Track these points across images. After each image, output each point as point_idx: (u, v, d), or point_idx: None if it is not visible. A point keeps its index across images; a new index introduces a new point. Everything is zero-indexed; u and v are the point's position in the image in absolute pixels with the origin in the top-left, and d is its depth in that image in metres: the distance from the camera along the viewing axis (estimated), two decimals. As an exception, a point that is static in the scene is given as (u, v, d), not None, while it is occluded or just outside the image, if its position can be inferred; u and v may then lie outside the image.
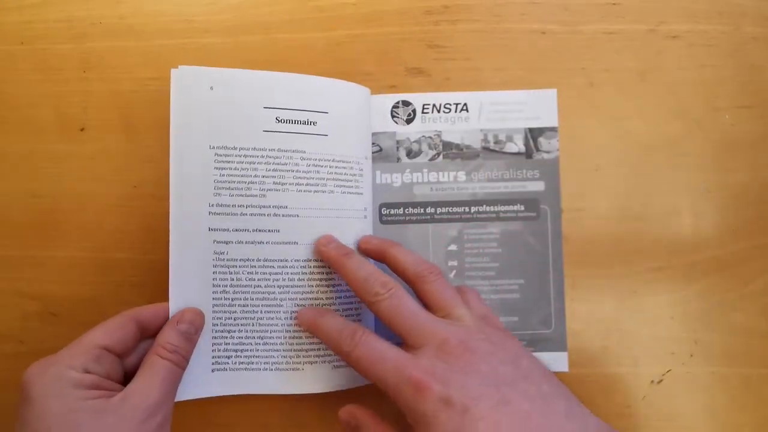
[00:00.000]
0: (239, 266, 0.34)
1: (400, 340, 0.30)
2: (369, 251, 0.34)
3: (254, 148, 0.34)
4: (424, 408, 0.26)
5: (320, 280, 0.34)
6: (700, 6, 0.39)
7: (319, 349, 0.35)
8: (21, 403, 0.27)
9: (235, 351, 0.34)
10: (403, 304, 0.30)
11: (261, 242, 0.34)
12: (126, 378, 0.30)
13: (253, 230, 0.34)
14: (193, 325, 0.32)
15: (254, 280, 0.34)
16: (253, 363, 0.34)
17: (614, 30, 0.39)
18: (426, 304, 0.31)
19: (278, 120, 0.34)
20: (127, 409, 0.27)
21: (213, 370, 0.34)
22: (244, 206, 0.34)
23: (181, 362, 0.30)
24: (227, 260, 0.34)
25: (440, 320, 0.30)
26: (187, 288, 0.33)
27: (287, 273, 0.34)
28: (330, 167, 0.35)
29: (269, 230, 0.34)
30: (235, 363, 0.34)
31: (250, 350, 0.34)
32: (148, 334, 0.32)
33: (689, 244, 0.38)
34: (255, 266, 0.34)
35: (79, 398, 0.26)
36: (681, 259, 0.38)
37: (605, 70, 0.39)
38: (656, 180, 0.39)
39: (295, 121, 0.35)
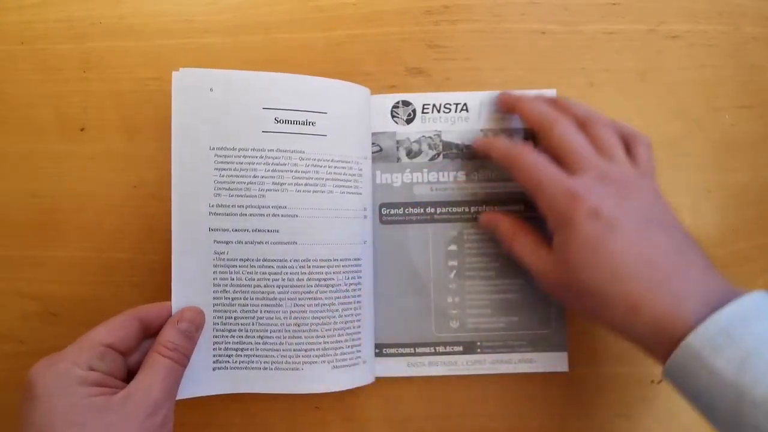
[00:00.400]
0: (239, 266, 0.34)
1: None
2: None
3: (253, 149, 0.34)
4: (573, 215, 0.29)
5: (319, 280, 0.34)
6: (700, 6, 0.39)
7: (318, 349, 0.34)
8: (26, 401, 0.27)
9: (236, 350, 0.34)
10: (575, 134, 0.32)
11: (260, 242, 0.34)
12: (129, 376, 0.30)
13: (253, 230, 0.34)
14: (193, 324, 0.32)
15: (254, 279, 0.34)
16: (253, 362, 0.34)
17: (614, 30, 0.39)
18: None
19: (277, 120, 0.34)
20: (130, 407, 0.27)
21: (214, 369, 0.34)
22: (243, 206, 0.34)
23: (181, 360, 0.31)
24: (227, 260, 0.34)
25: (605, 158, 0.31)
26: (188, 287, 0.33)
27: (286, 273, 0.34)
28: (329, 167, 0.35)
29: (268, 230, 0.34)
30: (236, 362, 0.34)
31: (250, 349, 0.34)
32: (151, 332, 0.32)
33: (689, 244, 0.38)
34: (254, 266, 0.34)
35: (83, 395, 0.27)
36: (681, 259, 0.38)
37: (605, 70, 0.39)
38: (657, 180, 0.39)
39: (294, 122, 0.35)
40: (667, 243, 0.28)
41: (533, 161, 0.31)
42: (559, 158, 0.32)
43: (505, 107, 0.37)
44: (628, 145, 0.33)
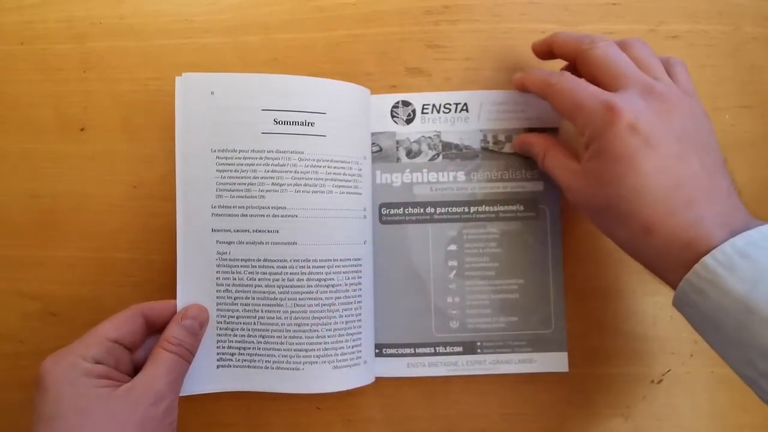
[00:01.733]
0: (241, 266, 0.34)
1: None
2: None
3: (253, 150, 0.34)
4: (610, 127, 0.28)
5: (319, 280, 0.34)
6: (700, 6, 0.39)
7: (319, 349, 0.34)
8: (37, 393, 0.28)
9: (239, 348, 0.35)
10: (618, 52, 0.31)
11: (261, 242, 0.34)
12: (135, 371, 0.31)
13: (254, 231, 0.34)
14: (197, 320, 0.33)
15: (255, 279, 0.34)
16: (255, 361, 0.34)
17: (614, 30, 0.39)
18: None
19: (276, 122, 0.34)
20: (133, 396, 0.28)
21: (218, 366, 0.34)
22: (244, 207, 0.34)
23: (185, 355, 0.32)
24: (229, 260, 0.34)
25: (650, 75, 0.30)
26: (192, 286, 0.34)
27: (287, 273, 0.34)
28: (328, 168, 0.35)
29: (269, 231, 0.34)
30: (239, 360, 0.35)
31: (252, 348, 0.34)
32: (156, 329, 0.33)
33: (689, 244, 0.38)
34: (255, 266, 0.34)
35: (89, 386, 0.28)
36: (681, 259, 0.38)
37: (605, 70, 0.39)
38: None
39: (293, 123, 0.35)
40: (699, 167, 0.28)
41: (573, 83, 0.31)
42: (602, 78, 0.31)
43: (542, 48, 0.35)
44: (666, 67, 0.32)
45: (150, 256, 0.37)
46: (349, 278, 0.35)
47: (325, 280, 0.35)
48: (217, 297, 0.34)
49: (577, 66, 0.33)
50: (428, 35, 0.39)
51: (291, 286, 0.34)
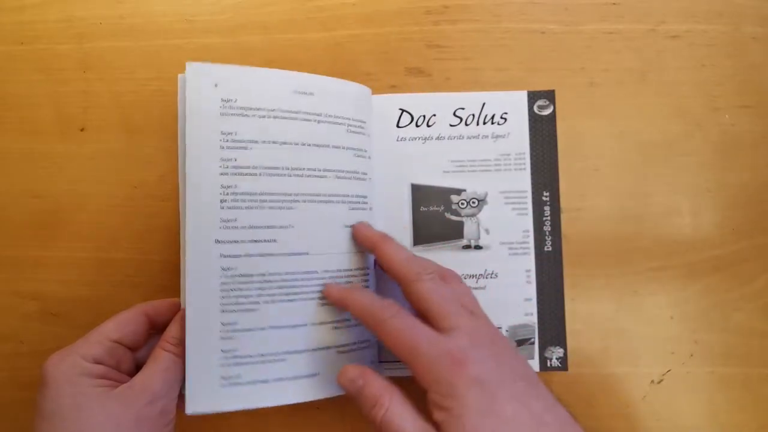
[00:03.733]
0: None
1: None
2: (362, 240, 0.34)
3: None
4: (457, 382, 0.27)
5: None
6: (700, 6, 0.39)
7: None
8: (39, 389, 0.29)
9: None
10: (442, 287, 0.31)
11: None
12: (137, 371, 0.31)
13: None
14: None
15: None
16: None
17: (614, 30, 0.39)
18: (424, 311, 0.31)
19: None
20: (130, 395, 0.29)
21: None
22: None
23: (183, 353, 0.31)
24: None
25: (471, 314, 0.30)
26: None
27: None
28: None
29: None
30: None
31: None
32: (159, 328, 0.33)
33: (689, 244, 0.38)
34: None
35: (88, 385, 0.28)
36: (681, 259, 0.38)
37: (605, 70, 0.39)
38: (656, 180, 0.39)
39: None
40: (541, 405, 0.27)
41: (407, 323, 0.29)
42: (429, 314, 0.30)
43: (367, 246, 0.34)
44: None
45: (150, 256, 0.37)
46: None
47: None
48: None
49: (403, 290, 0.31)
50: (428, 35, 0.39)
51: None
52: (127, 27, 0.38)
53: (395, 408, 0.27)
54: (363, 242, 0.34)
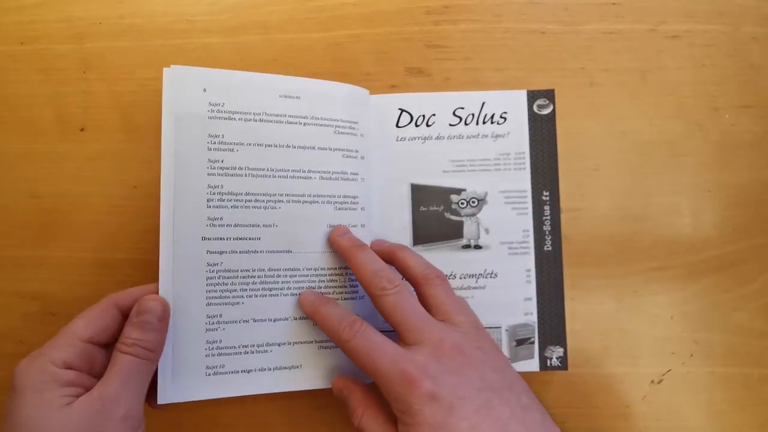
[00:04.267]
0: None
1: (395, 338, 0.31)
2: (379, 253, 0.34)
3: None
4: (411, 400, 0.27)
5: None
6: (700, 6, 0.39)
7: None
8: (8, 395, 0.27)
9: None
10: (406, 301, 0.31)
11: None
12: None
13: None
14: (154, 314, 0.30)
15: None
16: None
17: (614, 30, 0.39)
18: (427, 308, 0.32)
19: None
20: (89, 406, 0.27)
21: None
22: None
23: (143, 354, 0.30)
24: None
25: (439, 322, 0.31)
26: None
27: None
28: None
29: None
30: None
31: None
32: None
33: (689, 244, 0.38)
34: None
35: (54, 394, 0.27)
36: (681, 259, 0.38)
37: (605, 70, 0.39)
38: (656, 180, 0.39)
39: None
40: (509, 412, 0.28)
41: (369, 342, 0.30)
42: (393, 325, 0.31)
43: (341, 252, 0.34)
44: (457, 306, 0.32)
45: (150, 256, 0.37)
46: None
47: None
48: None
49: (372, 300, 0.32)
50: (428, 35, 0.39)
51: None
52: (127, 27, 0.38)
53: (366, 420, 0.31)
54: (336, 251, 0.35)
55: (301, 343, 0.34)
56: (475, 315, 0.33)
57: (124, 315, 0.31)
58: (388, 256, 0.34)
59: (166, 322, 0.31)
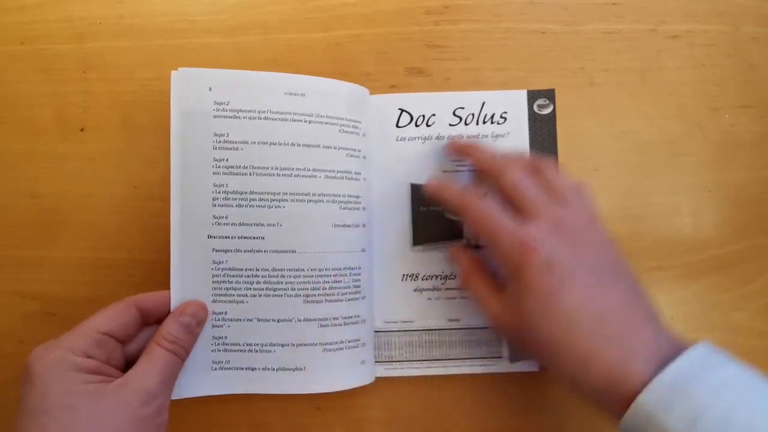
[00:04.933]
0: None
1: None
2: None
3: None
4: (526, 266, 0.29)
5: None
6: (700, 6, 0.39)
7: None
8: (24, 384, 0.27)
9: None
10: (528, 178, 0.32)
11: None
12: (127, 365, 0.30)
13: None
14: (195, 318, 0.32)
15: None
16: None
17: (614, 30, 0.39)
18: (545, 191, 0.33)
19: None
20: (124, 394, 0.27)
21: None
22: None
23: (180, 353, 0.31)
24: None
25: (556, 203, 0.32)
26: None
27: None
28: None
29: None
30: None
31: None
32: (150, 321, 0.32)
33: (689, 244, 0.38)
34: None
35: (78, 382, 0.27)
36: (681, 259, 0.38)
37: (605, 70, 0.39)
38: (656, 180, 0.39)
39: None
40: (618, 296, 0.29)
41: (486, 211, 0.31)
42: (513, 203, 0.32)
43: (456, 153, 0.37)
44: (574, 192, 0.33)
45: (150, 256, 0.37)
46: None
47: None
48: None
49: (492, 184, 0.33)
50: (428, 35, 0.39)
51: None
52: (127, 27, 0.38)
53: (475, 282, 0.34)
54: (455, 153, 0.37)
55: (305, 345, 0.34)
56: (594, 203, 0.33)
57: (144, 317, 0.32)
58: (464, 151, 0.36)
59: (201, 329, 0.33)
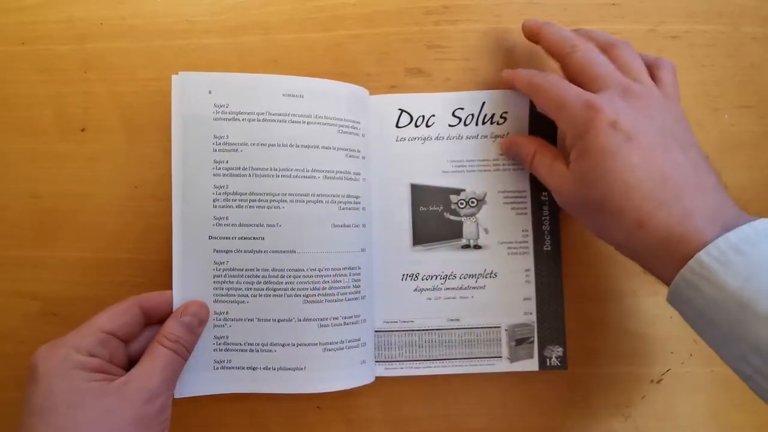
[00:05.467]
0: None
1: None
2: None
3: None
4: (591, 124, 0.29)
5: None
6: (700, 6, 0.39)
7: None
8: (29, 383, 0.28)
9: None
10: (597, 55, 0.32)
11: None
12: (130, 364, 0.31)
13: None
14: (197, 318, 0.33)
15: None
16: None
17: (614, 30, 0.39)
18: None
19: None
20: (127, 392, 0.28)
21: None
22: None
23: (182, 352, 0.31)
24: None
25: (628, 78, 0.31)
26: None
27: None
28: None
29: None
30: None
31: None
32: (152, 321, 0.33)
33: (689, 244, 0.38)
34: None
35: (82, 380, 0.28)
36: (680, 259, 0.38)
37: (605, 70, 0.39)
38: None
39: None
40: (683, 160, 0.29)
41: (555, 82, 0.32)
42: (582, 79, 0.32)
43: (529, 35, 0.36)
44: (652, 69, 0.33)
45: (150, 256, 0.37)
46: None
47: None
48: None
49: (561, 67, 0.34)
50: (428, 35, 0.39)
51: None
52: (128, 28, 0.38)
53: (539, 159, 0.34)
54: (527, 33, 0.36)
55: (305, 345, 0.34)
56: (675, 83, 0.33)
57: (147, 316, 0.32)
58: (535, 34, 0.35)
59: (202, 328, 0.33)
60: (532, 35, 0.36)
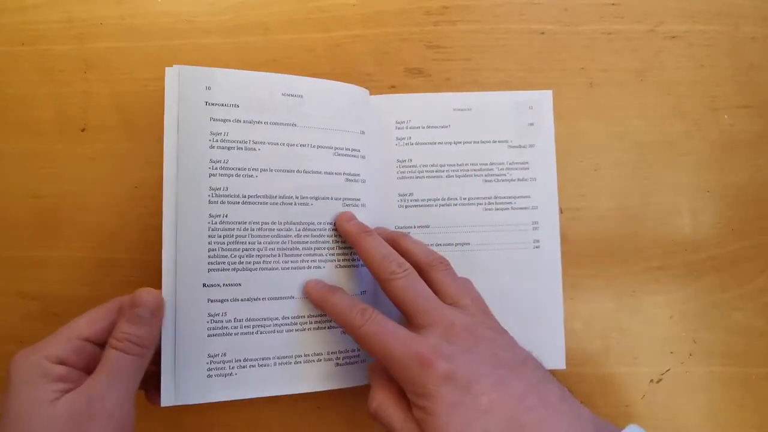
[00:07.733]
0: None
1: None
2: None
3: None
4: (427, 382, 0.27)
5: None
6: (699, 6, 0.39)
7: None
8: (4, 387, 0.27)
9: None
10: (416, 285, 0.31)
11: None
12: None
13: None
14: (147, 308, 0.30)
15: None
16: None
17: (613, 30, 0.39)
18: (435, 292, 0.32)
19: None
20: (75, 402, 0.27)
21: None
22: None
23: (133, 350, 0.29)
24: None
25: (448, 306, 0.31)
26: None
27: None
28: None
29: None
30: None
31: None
32: None
33: (688, 244, 0.38)
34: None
35: (44, 389, 0.27)
36: (680, 259, 0.38)
37: (604, 71, 0.39)
38: (656, 180, 0.39)
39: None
40: (524, 386, 0.28)
41: (380, 327, 0.29)
42: (404, 312, 0.31)
43: (349, 242, 0.34)
44: (462, 288, 0.32)
45: (150, 256, 0.37)
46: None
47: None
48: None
49: (380, 286, 0.32)
50: (428, 35, 0.39)
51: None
52: (128, 28, 0.38)
53: (383, 406, 0.29)
54: (343, 236, 0.35)
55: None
56: (481, 297, 0.33)
57: None
58: (390, 243, 0.34)
59: (159, 317, 0.31)
60: (350, 242, 0.34)
